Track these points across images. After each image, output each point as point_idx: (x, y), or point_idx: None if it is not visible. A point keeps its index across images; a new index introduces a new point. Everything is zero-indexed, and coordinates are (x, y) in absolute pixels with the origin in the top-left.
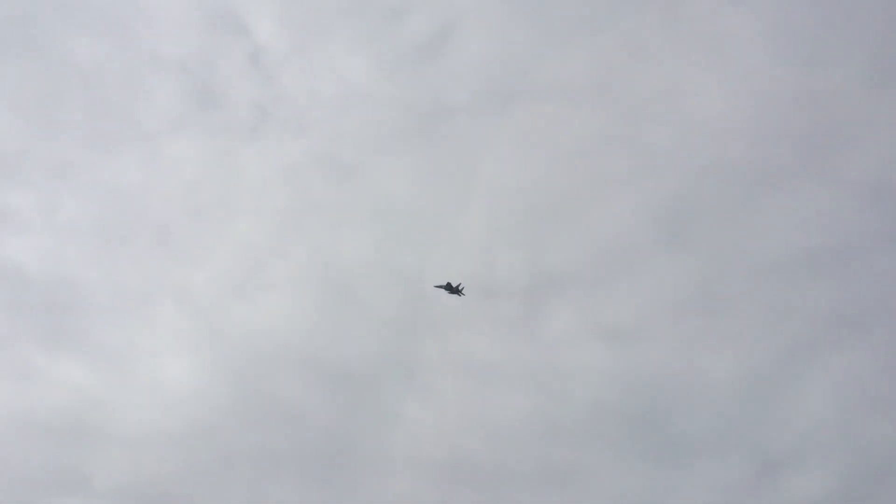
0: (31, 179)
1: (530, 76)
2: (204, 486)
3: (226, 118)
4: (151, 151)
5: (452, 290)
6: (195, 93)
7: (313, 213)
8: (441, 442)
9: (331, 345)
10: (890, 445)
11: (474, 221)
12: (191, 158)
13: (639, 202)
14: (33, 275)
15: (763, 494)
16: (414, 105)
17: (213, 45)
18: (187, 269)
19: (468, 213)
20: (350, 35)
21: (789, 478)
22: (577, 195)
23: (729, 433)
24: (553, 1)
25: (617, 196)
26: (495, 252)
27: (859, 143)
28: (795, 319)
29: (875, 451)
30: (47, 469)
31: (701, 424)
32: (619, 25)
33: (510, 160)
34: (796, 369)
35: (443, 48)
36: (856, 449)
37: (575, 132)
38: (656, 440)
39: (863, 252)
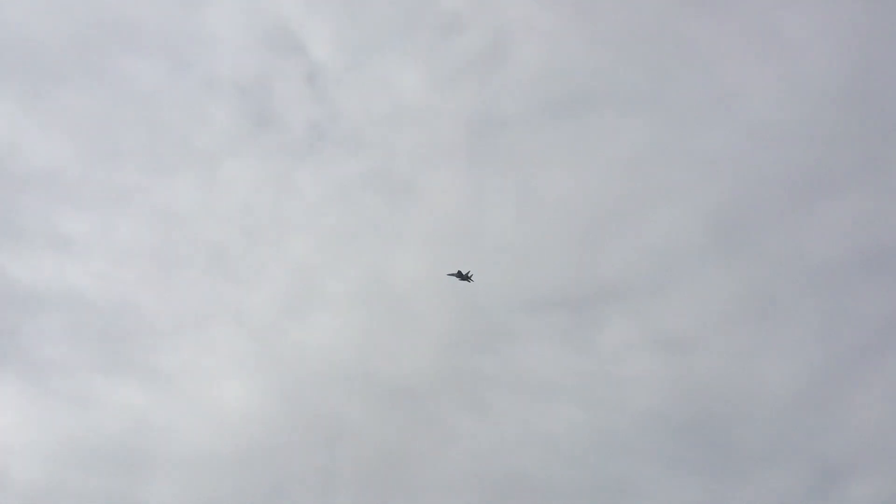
0: (90, 204)
1: (584, 86)
2: None
3: (281, 138)
4: (207, 173)
5: (463, 277)
6: (251, 114)
7: (367, 230)
8: (497, 457)
9: (386, 362)
10: None
11: (529, 234)
12: (246, 179)
13: (693, 209)
14: (92, 299)
15: None
16: (468, 119)
17: (270, 66)
18: (242, 290)
19: (522, 226)
20: (404, 51)
21: (849, 486)
22: (631, 204)
23: (787, 442)
24: (606, 10)
25: (671, 204)
26: (550, 263)
27: None
28: (852, 324)
29: None
30: (104, 494)
31: (758, 433)
32: (673, 32)
33: (564, 171)
34: (854, 375)
35: (496, 61)
36: None
37: (629, 140)
38: (713, 450)
39: None
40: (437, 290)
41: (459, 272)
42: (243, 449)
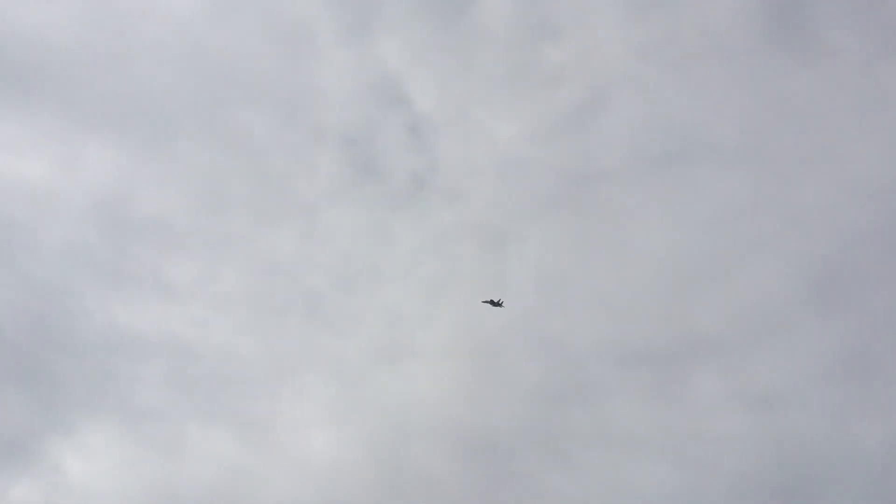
0: (195, 252)
1: (682, 139)
2: None
3: (382, 188)
4: (308, 223)
5: (495, 304)
6: (354, 164)
7: (462, 280)
8: None
9: (475, 414)
10: None
11: (622, 286)
12: (346, 228)
13: (789, 264)
14: (191, 346)
15: None
16: (566, 171)
17: (374, 117)
18: (337, 338)
19: (616, 278)
20: (506, 103)
21: None
22: (727, 258)
23: None
24: (705, 63)
25: (768, 258)
26: (643, 317)
27: None
28: None
29: None
30: None
31: (855, 495)
32: (772, 85)
33: (661, 224)
34: None
35: (596, 113)
36: None
37: (726, 194)
38: None
39: None
40: (529, 342)
41: (492, 300)
42: (330, 499)
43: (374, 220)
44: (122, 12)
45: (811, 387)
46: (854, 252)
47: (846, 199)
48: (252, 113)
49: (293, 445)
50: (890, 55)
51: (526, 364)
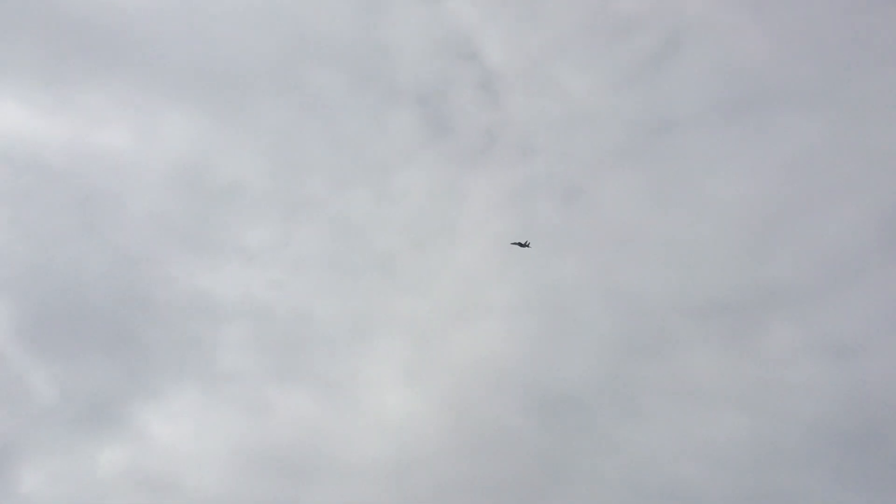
0: (272, 216)
1: (758, 84)
2: None
3: (454, 146)
4: (382, 183)
5: (522, 245)
6: (426, 122)
7: (536, 235)
8: (655, 466)
9: (548, 369)
10: None
11: (696, 237)
12: (419, 188)
13: (865, 209)
14: (270, 309)
15: None
16: (640, 121)
17: (446, 74)
18: (411, 297)
19: (690, 229)
20: (577, 54)
21: None
22: (802, 205)
23: None
24: (782, 6)
25: (843, 204)
26: (716, 267)
27: None
28: None
29: None
30: (272, 500)
31: None
32: (850, 26)
33: (735, 172)
34: None
35: (670, 62)
36: None
37: (802, 140)
38: (883, 461)
39: None
40: (601, 295)
41: (520, 242)
42: (406, 456)
43: (446, 178)
44: None
45: (887, 334)
46: None
47: None
48: (326, 74)
49: (370, 404)
50: None
51: (599, 318)
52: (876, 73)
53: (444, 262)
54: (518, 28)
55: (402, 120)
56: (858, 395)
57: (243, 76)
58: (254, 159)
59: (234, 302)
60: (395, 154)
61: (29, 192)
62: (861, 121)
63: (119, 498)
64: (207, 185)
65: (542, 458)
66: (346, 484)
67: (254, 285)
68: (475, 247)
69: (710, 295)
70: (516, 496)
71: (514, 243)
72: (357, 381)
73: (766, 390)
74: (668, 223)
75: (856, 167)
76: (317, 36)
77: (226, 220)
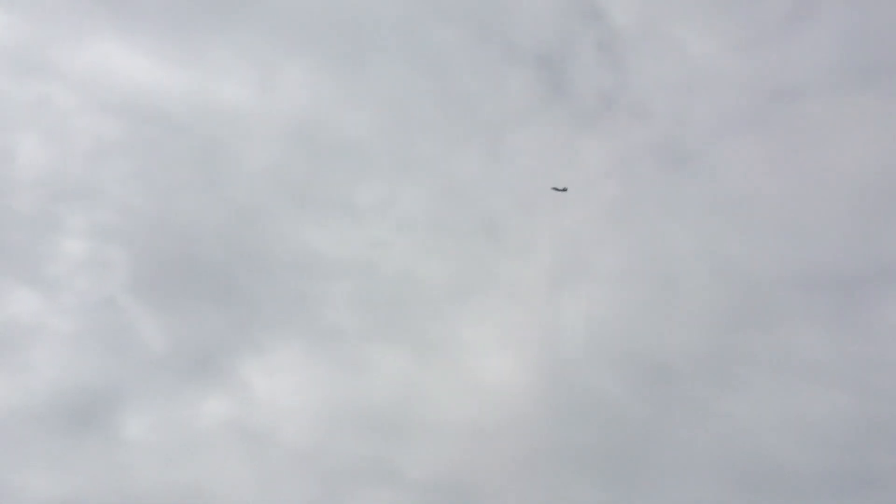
0: (381, 174)
1: (893, 52)
2: (510, 481)
3: (570, 108)
4: (493, 144)
5: (559, 189)
6: (544, 83)
7: (645, 202)
8: (752, 440)
9: (649, 338)
10: None
11: (811, 207)
12: (529, 150)
13: None
14: (375, 267)
15: None
16: (764, 86)
17: (567, 34)
18: (514, 260)
19: (805, 199)
20: (704, 15)
21: None
22: None
23: None
24: None
25: None
26: (829, 239)
27: None
28: None
29: None
30: (363, 460)
31: None
32: None
33: (859, 142)
34: None
35: (801, 24)
36: None
37: None
38: None
39: None
40: (707, 264)
41: (556, 188)
42: (500, 419)
43: (558, 140)
44: None
45: None
46: None
47: None
48: (446, 32)
49: (468, 366)
50: None
51: (704, 287)
52: None
53: (550, 225)
54: None
55: (519, 80)
56: None
57: (364, 31)
58: (368, 116)
59: (340, 259)
60: (508, 115)
61: (152, 143)
62: None
63: (218, 448)
64: (322, 141)
65: (636, 428)
66: (439, 445)
67: (360, 243)
68: (582, 211)
69: (821, 268)
70: (608, 464)
71: (554, 188)
72: (456, 343)
73: (872, 369)
74: (783, 193)
75: None
76: None
77: (337, 177)
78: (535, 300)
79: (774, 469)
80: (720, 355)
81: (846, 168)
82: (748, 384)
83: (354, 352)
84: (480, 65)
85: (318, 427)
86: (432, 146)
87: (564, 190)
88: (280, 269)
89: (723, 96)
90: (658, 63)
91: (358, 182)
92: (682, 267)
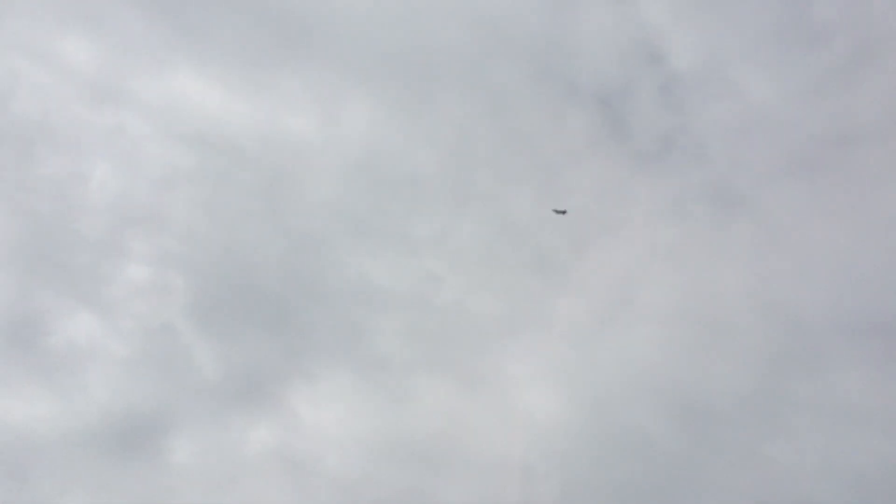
0: (438, 208)
1: None
2: None
3: (626, 148)
4: (547, 180)
5: (559, 212)
6: (604, 123)
7: (697, 243)
8: (795, 486)
9: (696, 379)
10: None
11: (862, 253)
12: (584, 189)
13: None
14: (427, 300)
15: None
16: (821, 132)
17: (629, 75)
18: (564, 298)
19: (855, 245)
20: (765, 61)
21: None
22: None
23: None
24: None
25: None
26: (881, 285)
27: None
28: None
29: None
30: (407, 490)
31: None
32: None
33: None
34: None
35: (861, 73)
36: None
37: None
38: None
39: None
40: (756, 307)
41: (556, 210)
42: (543, 455)
43: (614, 180)
44: None
45: None
46: None
47: None
48: (509, 70)
49: (513, 401)
50: None
51: (752, 330)
52: None
53: (602, 264)
54: (708, 32)
55: (578, 119)
56: None
57: (427, 68)
58: (428, 151)
59: (394, 291)
60: (565, 153)
61: (218, 173)
62: None
63: (264, 475)
64: (382, 175)
65: (679, 468)
66: (482, 478)
67: (413, 276)
68: (634, 250)
69: (870, 314)
70: (649, 503)
71: (555, 210)
72: (502, 378)
73: None
74: (834, 238)
75: None
76: (505, 30)
77: (395, 210)
78: (583, 337)
79: None
80: (765, 398)
81: None
82: (793, 428)
83: (402, 383)
84: (541, 103)
85: (362, 457)
86: (489, 182)
87: (564, 212)
88: (335, 298)
89: (779, 140)
90: (716, 106)
91: (415, 215)
92: (730, 309)
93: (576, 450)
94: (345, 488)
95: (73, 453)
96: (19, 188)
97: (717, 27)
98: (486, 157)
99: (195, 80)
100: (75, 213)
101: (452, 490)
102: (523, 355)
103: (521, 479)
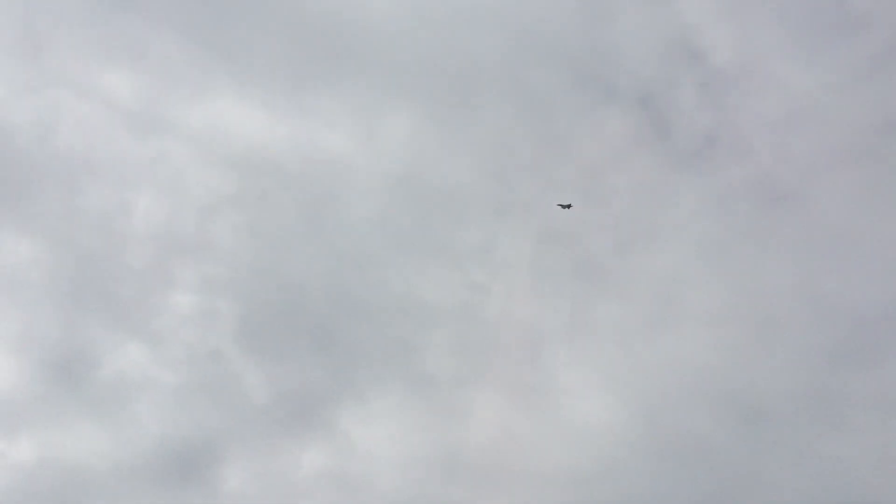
0: (477, 218)
1: None
2: None
3: (668, 148)
4: (590, 184)
5: (564, 206)
6: (643, 124)
7: (744, 240)
8: (860, 483)
9: (750, 379)
10: None
11: None
12: (627, 191)
13: None
14: (474, 312)
15: None
16: (865, 121)
17: (667, 75)
18: (612, 303)
19: None
20: (804, 52)
21: None
22: None
23: None
24: None
25: None
26: None
27: None
28: None
29: None
30: None
31: None
32: None
33: None
34: None
35: None
36: None
37: None
38: None
39: None
40: (807, 303)
41: (561, 204)
42: (598, 463)
43: (657, 181)
44: None
45: None
46: None
47: None
48: (546, 75)
49: (566, 410)
50: None
51: (805, 326)
52: None
53: (648, 266)
54: (746, 27)
55: (618, 121)
56: None
57: (465, 77)
58: (468, 162)
59: (440, 305)
60: (607, 156)
61: (261, 196)
62: None
63: (317, 498)
64: (423, 188)
65: (736, 471)
66: (537, 490)
67: (459, 288)
68: (681, 251)
69: None
70: None
71: (559, 205)
72: (553, 387)
73: None
74: (884, 228)
75: None
76: (541, 36)
77: (438, 223)
78: (632, 342)
79: None
80: (821, 395)
81: None
82: (851, 424)
83: (452, 397)
84: (580, 107)
85: (415, 475)
86: (531, 189)
87: (569, 206)
88: (381, 315)
89: (823, 132)
90: (757, 101)
91: (457, 227)
92: (781, 305)
93: (630, 457)
94: None
95: (127, 485)
96: (65, 221)
97: (755, 21)
98: (527, 163)
99: (235, 103)
100: (121, 244)
101: (506, 501)
102: (573, 363)
103: (576, 490)
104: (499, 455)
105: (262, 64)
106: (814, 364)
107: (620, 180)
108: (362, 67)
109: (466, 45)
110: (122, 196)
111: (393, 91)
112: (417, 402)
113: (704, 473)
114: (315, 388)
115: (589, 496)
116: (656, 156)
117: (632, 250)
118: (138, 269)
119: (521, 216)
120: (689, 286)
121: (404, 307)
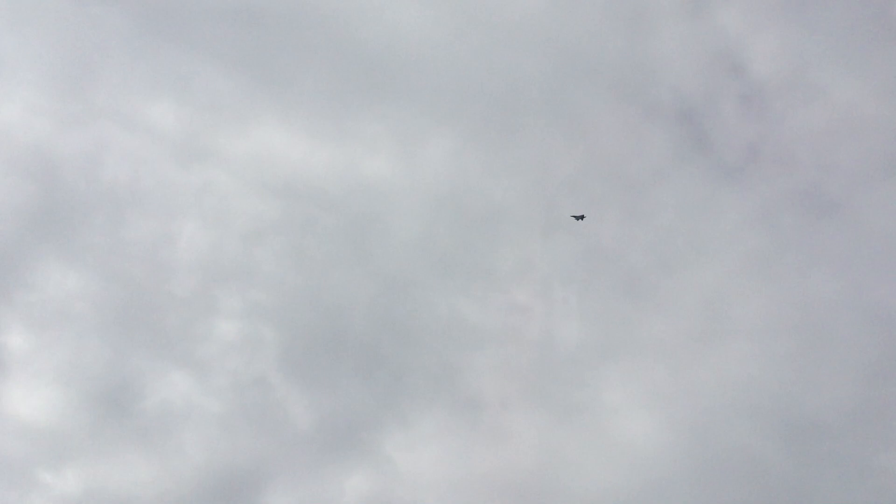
0: (524, 237)
1: None
2: None
3: (711, 161)
4: (633, 201)
5: (578, 217)
6: (685, 138)
7: (790, 252)
8: None
9: (800, 394)
10: None
11: None
12: (671, 206)
13: None
14: (517, 333)
15: None
16: None
17: (710, 88)
18: (657, 319)
19: None
20: (847, 62)
21: None
22: None
23: None
24: None
25: None
26: None
27: None
28: None
29: None
30: None
31: None
32: None
33: None
34: None
35: None
36: None
37: None
38: None
39: None
40: (857, 314)
41: (574, 215)
42: (646, 483)
43: (701, 195)
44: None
45: None
46: None
47: None
48: (587, 93)
49: (612, 429)
50: None
51: (854, 339)
52: None
53: (693, 281)
54: (788, 37)
55: (661, 136)
56: None
57: (506, 97)
58: (510, 181)
59: (483, 326)
60: (650, 172)
61: (304, 221)
62: None
63: None
64: (465, 209)
65: (787, 488)
66: None
67: (502, 309)
68: (726, 265)
69: None
70: None
71: (573, 216)
72: (599, 406)
73: None
74: None
75: None
76: (581, 54)
77: (480, 244)
78: (679, 358)
79: None
80: (873, 408)
81: None
82: None
83: (497, 420)
84: (622, 124)
85: (460, 499)
86: (573, 207)
87: (582, 217)
88: (425, 339)
89: (867, 142)
90: (801, 111)
91: (500, 247)
92: (830, 317)
93: (678, 476)
94: None
95: None
96: (111, 253)
97: (797, 32)
98: (569, 182)
99: (277, 130)
100: (165, 274)
101: None
102: (618, 382)
103: None
104: (544, 477)
105: (304, 91)
106: (865, 376)
107: (664, 196)
108: (402, 91)
109: (506, 65)
110: (168, 226)
111: (434, 113)
112: (462, 424)
113: (755, 492)
114: (359, 412)
115: None
116: (699, 170)
117: (676, 266)
118: (183, 297)
119: (565, 234)
120: (734, 301)
121: (447, 329)
